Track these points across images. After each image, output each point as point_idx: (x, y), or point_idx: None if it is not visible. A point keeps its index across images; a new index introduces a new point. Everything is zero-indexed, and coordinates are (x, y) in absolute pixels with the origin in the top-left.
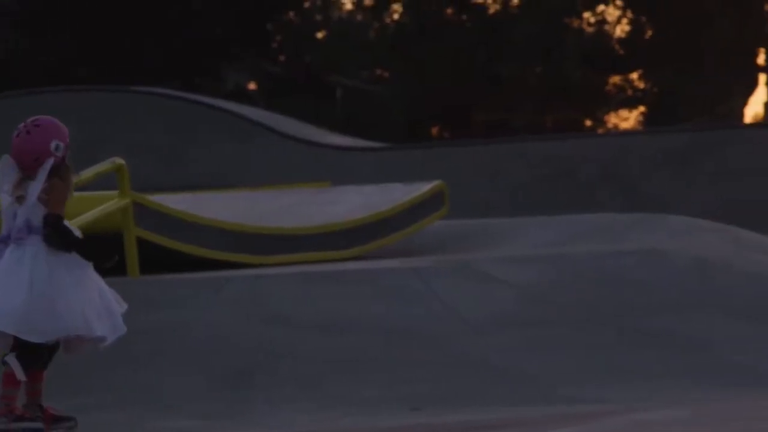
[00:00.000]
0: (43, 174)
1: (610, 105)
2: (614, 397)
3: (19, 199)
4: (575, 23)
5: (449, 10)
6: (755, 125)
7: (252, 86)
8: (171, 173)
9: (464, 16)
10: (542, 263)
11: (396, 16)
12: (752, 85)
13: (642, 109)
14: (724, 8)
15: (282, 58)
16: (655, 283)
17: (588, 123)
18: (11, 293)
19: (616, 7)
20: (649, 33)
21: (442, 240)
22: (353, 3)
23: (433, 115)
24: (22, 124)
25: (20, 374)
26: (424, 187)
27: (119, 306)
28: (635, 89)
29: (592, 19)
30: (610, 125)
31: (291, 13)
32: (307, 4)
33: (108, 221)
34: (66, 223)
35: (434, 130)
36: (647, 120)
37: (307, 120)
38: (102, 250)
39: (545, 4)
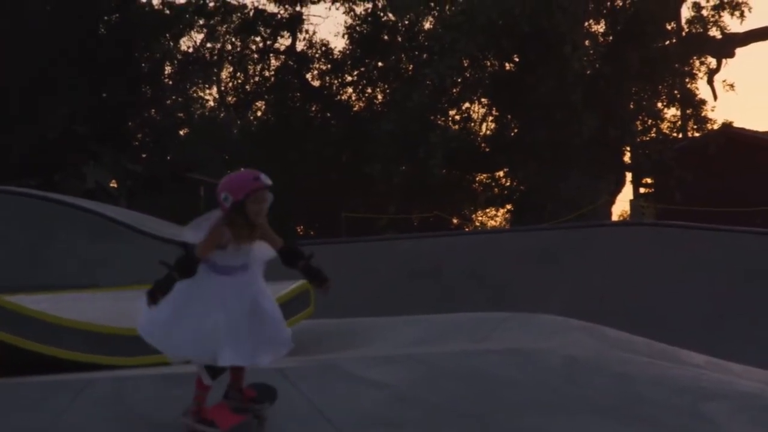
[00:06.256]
0: (206, 224)
1: (476, 203)
2: None
3: None
4: (440, 120)
5: (314, 107)
6: (621, 223)
7: (113, 184)
8: (29, 273)
9: (328, 114)
10: (410, 363)
11: (259, 113)
12: (618, 183)
13: (509, 206)
14: (589, 106)
15: (144, 155)
16: (523, 382)
17: (455, 221)
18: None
19: (481, 104)
20: (515, 130)
21: (308, 340)
22: (215, 100)
23: (298, 212)
24: None
25: (207, 380)
26: (289, 286)
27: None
28: (501, 187)
29: (458, 117)
30: (477, 223)
31: (152, 110)
32: (168, 102)
33: None
34: (182, 258)
35: (300, 228)
36: (514, 218)
37: (169, 218)
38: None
39: (410, 102)
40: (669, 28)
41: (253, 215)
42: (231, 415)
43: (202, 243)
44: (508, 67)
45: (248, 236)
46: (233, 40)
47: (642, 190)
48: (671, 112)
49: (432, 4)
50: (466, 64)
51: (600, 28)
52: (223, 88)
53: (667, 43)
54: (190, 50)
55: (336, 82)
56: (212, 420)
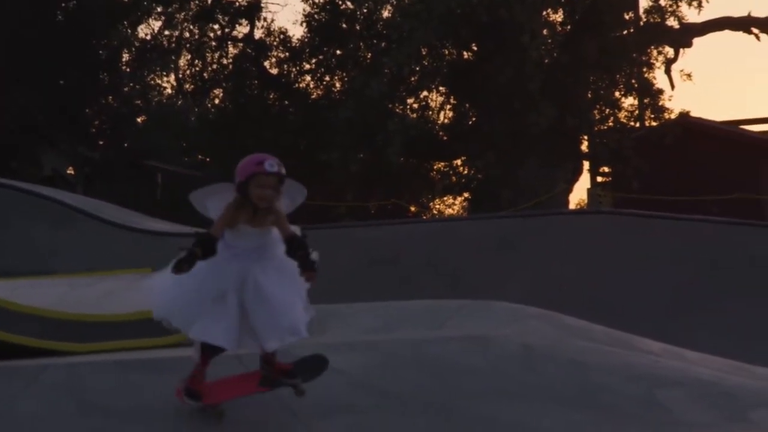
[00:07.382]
0: (220, 197)
1: (434, 191)
2: None
3: None
4: (398, 109)
5: (272, 95)
6: (579, 211)
7: (70, 171)
8: None
9: (286, 101)
10: (367, 349)
11: (217, 101)
12: (576, 172)
13: (466, 194)
14: (547, 95)
15: (101, 142)
16: (481, 369)
17: (412, 209)
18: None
19: (440, 93)
20: (473, 119)
21: None
22: (173, 88)
23: None
24: None
25: (195, 356)
26: None
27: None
28: (459, 175)
29: (416, 105)
30: (434, 211)
31: (110, 97)
32: (126, 89)
33: None
34: (199, 240)
35: None
36: (472, 206)
37: (127, 205)
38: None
39: (368, 90)
40: (627, 17)
41: (255, 199)
42: (235, 388)
43: (217, 221)
44: (466, 56)
45: (251, 219)
46: (191, 27)
47: (599, 178)
48: (629, 102)
49: None
50: (424, 53)
51: (558, 17)
52: (180, 76)
53: (625, 32)
54: (148, 37)
55: (294, 70)
56: (197, 391)
